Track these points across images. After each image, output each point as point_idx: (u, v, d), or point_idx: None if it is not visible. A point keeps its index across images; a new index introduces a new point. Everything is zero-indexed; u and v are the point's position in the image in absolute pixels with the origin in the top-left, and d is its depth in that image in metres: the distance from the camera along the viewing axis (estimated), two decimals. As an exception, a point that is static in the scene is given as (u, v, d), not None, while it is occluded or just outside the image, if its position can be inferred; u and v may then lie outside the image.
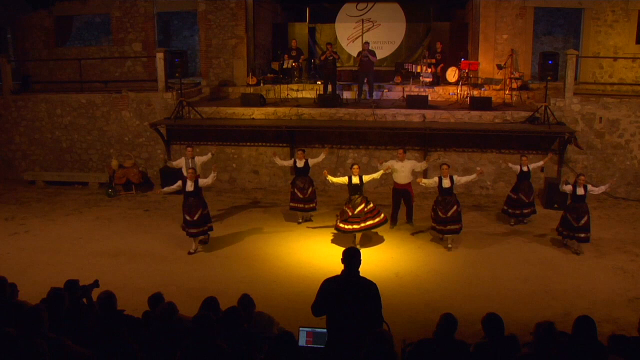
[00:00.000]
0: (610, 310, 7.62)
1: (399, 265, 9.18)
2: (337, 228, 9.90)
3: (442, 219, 9.64)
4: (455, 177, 9.77)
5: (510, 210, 10.96)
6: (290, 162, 11.46)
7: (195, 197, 9.75)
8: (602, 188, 9.70)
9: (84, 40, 19.25)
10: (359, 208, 9.68)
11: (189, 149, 11.23)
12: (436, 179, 9.80)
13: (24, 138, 15.12)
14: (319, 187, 11.30)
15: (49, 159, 15.05)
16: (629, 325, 6.78)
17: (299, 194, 10.98)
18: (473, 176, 10.10)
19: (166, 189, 10.32)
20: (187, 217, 9.71)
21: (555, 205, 11.62)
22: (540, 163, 11.22)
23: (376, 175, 10.08)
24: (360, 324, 4.55)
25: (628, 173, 12.81)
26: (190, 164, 10.98)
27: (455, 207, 9.63)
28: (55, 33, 17.43)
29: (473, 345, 4.49)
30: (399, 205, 10.94)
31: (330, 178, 10.02)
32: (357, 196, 9.76)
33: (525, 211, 10.89)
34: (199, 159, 11.15)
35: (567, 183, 9.69)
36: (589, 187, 9.45)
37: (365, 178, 9.80)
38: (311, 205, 11.09)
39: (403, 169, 10.65)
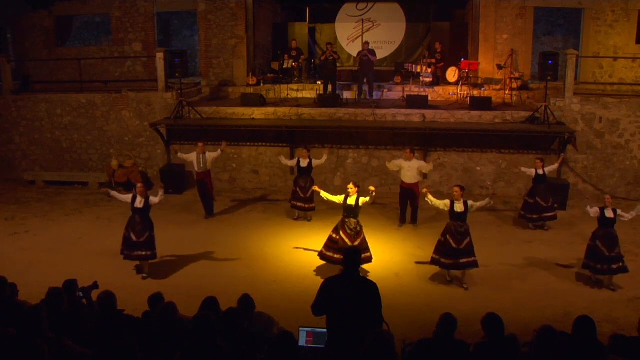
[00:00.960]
0: (610, 310, 7.64)
1: (399, 265, 9.19)
2: (321, 255, 8.86)
3: (454, 250, 8.43)
4: (469, 203, 8.62)
5: (528, 215, 10.76)
6: (293, 162, 11.50)
7: (142, 215, 8.78)
8: (634, 213, 8.59)
9: (84, 40, 19.27)
10: (353, 242, 8.53)
11: (200, 143, 11.19)
12: (447, 202, 8.65)
13: (24, 138, 15.11)
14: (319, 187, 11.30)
15: (49, 159, 15.04)
16: (629, 325, 6.79)
17: (300, 193, 11.04)
18: (487, 200, 8.89)
19: (114, 193, 9.25)
20: (133, 237, 8.70)
21: (556, 206, 11.60)
22: (555, 166, 11.15)
23: (369, 199, 8.74)
24: (360, 324, 4.54)
25: (628, 173, 12.81)
26: (202, 160, 10.94)
27: (469, 238, 8.50)
28: (55, 33, 17.42)
29: (473, 345, 4.49)
30: (407, 205, 10.96)
31: (325, 194, 9.04)
32: (352, 220, 8.70)
33: (545, 215, 10.68)
34: (210, 155, 11.09)
35: (591, 206, 8.75)
36: (619, 211, 8.56)
37: (362, 200, 8.62)
38: (311, 206, 11.15)
39: (410, 168, 10.68)
